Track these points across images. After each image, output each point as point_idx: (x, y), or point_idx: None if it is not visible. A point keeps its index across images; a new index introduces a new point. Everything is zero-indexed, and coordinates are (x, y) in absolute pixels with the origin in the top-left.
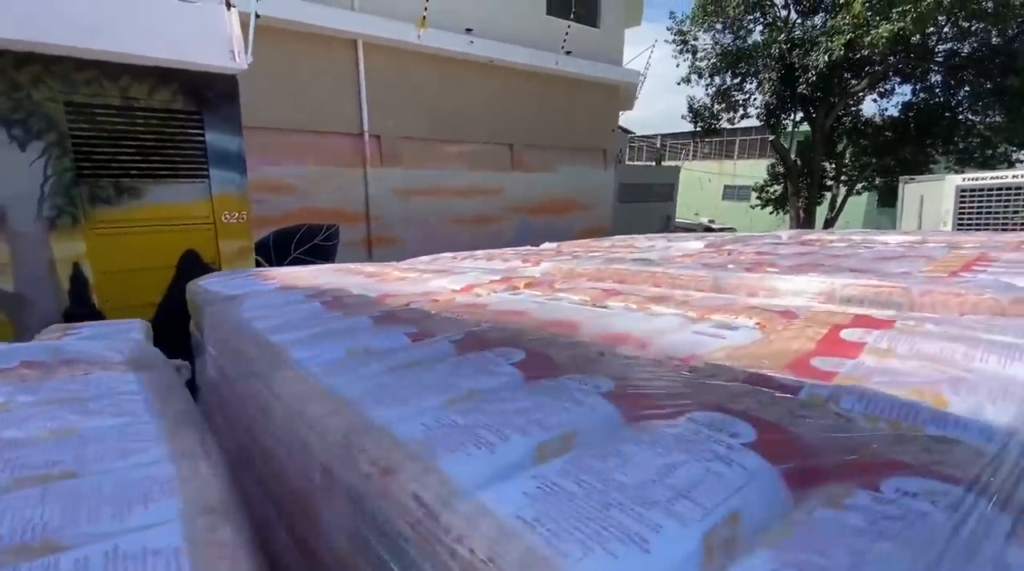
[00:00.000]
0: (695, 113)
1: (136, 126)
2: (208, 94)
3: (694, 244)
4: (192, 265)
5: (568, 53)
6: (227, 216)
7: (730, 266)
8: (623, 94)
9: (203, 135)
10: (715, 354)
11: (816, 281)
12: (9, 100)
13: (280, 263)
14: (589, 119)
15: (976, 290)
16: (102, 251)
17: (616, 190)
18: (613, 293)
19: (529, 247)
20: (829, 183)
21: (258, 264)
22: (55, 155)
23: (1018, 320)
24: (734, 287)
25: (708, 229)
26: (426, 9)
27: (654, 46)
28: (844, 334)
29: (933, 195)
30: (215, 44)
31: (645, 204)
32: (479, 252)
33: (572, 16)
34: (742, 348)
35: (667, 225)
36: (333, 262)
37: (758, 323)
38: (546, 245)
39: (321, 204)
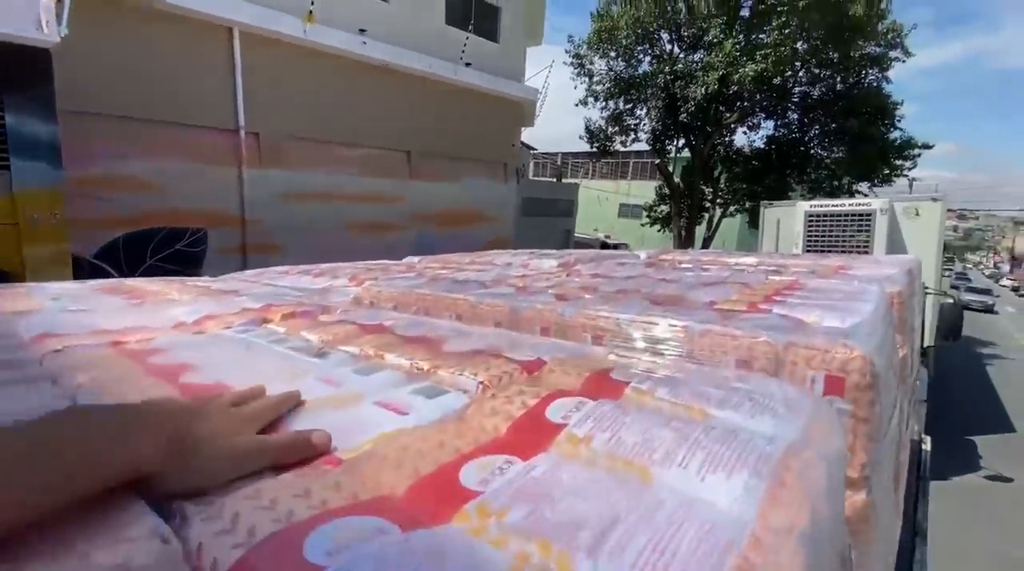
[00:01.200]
0: (591, 134)
1: None
2: (9, 69)
3: (548, 262)
4: None
5: (468, 65)
6: (35, 216)
7: (549, 291)
8: (524, 110)
9: (0, 117)
10: (363, 447)
11: (603, 316)
12: None
13: (133, 272)
14: (490, 132)
15: (752, 333)
16: None
17: (519, 204)
18: (374, 330)
19: (386, 261)
20: (707, 205)
21: (102, 272)
22: None
23: (758, 377)
24: (527, 320)
25: (604, 244)
26: (313, 3)
27: (552, 66)
28: (551, 409)
29: (787, 219)
30: (17, 11)
31: (548, 218)
32: (321, 266)
33: (471, 29)
34: (407, 433)
35: (567, 238)
36: (199, 271)
37: (483, 381)
38: (408, 259)
39: (187, 205)
